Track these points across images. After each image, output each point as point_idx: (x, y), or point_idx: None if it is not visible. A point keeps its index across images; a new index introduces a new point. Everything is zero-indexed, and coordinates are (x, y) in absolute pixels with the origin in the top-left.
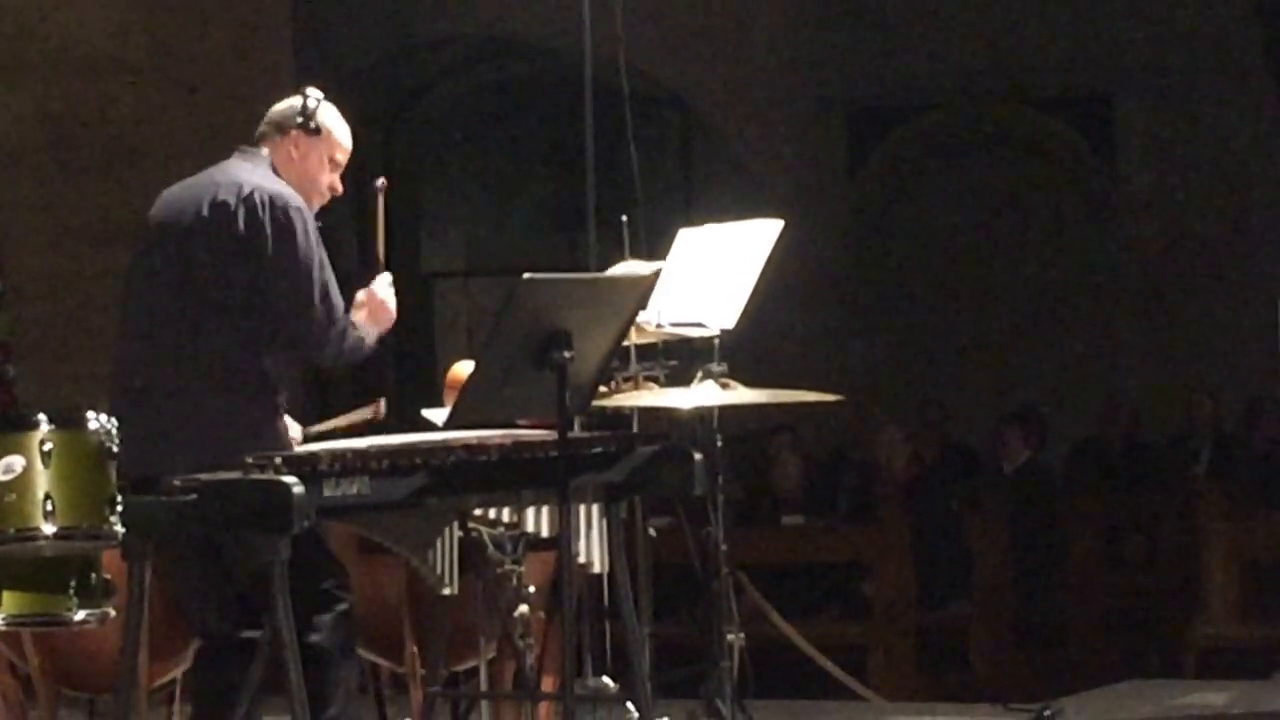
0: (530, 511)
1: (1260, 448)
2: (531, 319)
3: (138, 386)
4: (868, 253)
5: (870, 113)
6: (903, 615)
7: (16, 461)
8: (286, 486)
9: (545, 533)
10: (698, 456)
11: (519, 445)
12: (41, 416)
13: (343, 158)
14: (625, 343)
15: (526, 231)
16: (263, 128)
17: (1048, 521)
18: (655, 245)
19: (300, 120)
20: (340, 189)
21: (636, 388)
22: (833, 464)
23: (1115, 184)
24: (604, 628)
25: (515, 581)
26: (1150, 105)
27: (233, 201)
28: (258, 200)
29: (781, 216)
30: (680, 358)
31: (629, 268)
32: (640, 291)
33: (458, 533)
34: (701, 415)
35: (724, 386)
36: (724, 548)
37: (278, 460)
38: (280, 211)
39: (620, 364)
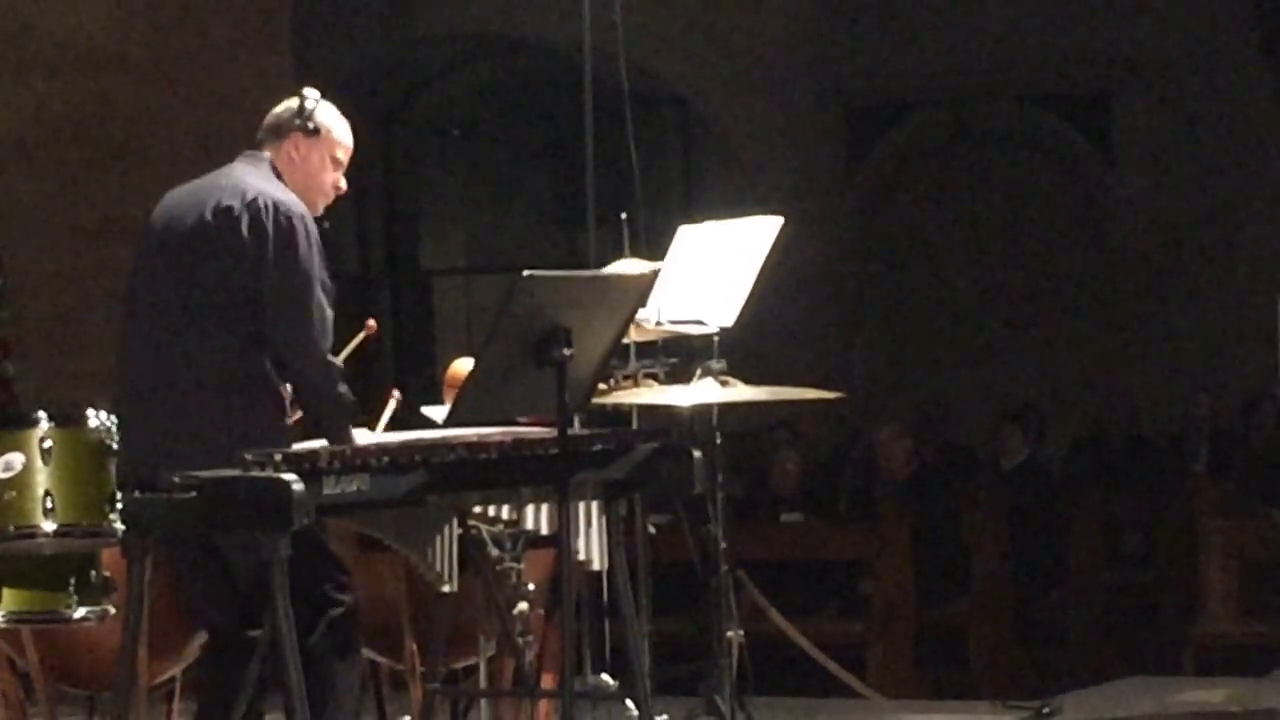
0: (530, 509)
1: (1258, 445)
2: (531, 316)
3: (141, 387)
4: (867, 250)
5: (869, 111)
6: (902, 613)
7: (16, 459)
8: (286, 484)
9: (545, 530)
10: (697, 454)
11: (519, 443)
12: (41, 414)
13: (344, 156)
14: (625, 340)
15: (526, 229)
16: (262, 132)
17: (1046, 520)
18: (655, 243)
19: (298, 122)
20: (344, 187)
21: (636, 385)
22: (832, 462)
23: (1114, 183)
24: (603, 625)
25: (515, 579)
26: (1149, 105)
27: (237, 207)
28: (261, 205)
29: (781, 214)
30: (680, 355)
31: (624, 266)
32: (640, 289)
33: (457, 530)
34: (701, 413)
35: (723, 384)
36: (723, 545)
37: (277, 458)
38: (284, 218)
39: (620, 361)
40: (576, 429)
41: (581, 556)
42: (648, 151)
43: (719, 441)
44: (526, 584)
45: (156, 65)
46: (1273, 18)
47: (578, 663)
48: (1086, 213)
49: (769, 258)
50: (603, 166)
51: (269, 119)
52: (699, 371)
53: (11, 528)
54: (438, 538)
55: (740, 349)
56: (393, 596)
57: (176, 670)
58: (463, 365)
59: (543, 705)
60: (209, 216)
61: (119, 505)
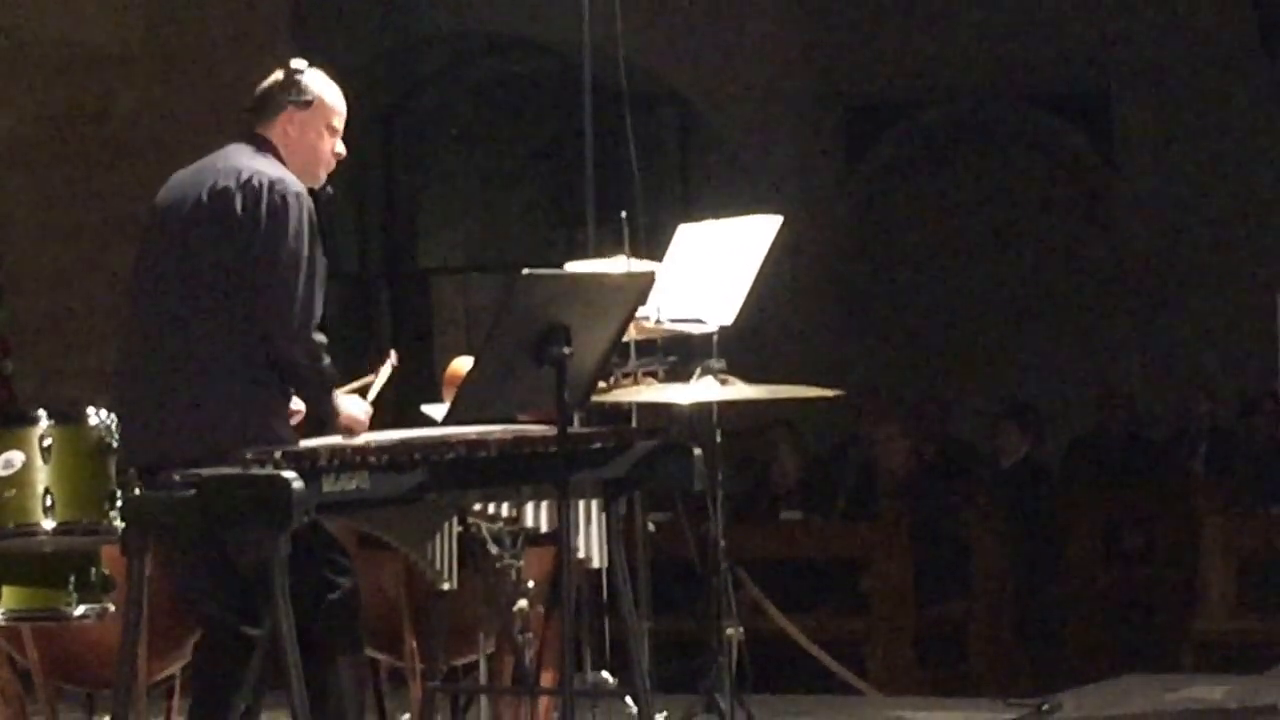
0: (529, 507)
1: (1257, 443)
2: (530, 315)
3: (142, 373)
4: (866, 249)
5: (869, 109)
6: (901, 610)
7: (16, 457)
8: (286, 481)
9: (544, 528)
10: (697, 452)
11: (518, 441)
12: (41, 412)
13: (339, 122)
14: (624, 338)
15: (525, 228)
16: (256, 110)
17: (1046, 517)
18: (654, 242)
19: (291, 96)
20: (344, 152)
21: (636, 383)
22: (831, 459)
23: (1114, 181)
24: (603, 623)
25: (514, 576)
26: (1149, 103)
27: (233, 186)
28: (256, 184)
29: (780, 212)
30: (679, 353)
31: (619, 264)
32: (639, 287)
33: (457, 528)
34: (700, 411)
35: (723, 382)
36: (723, 543)
37: (277, 455)
38: (278, 195)
39: (619, 359)
40: (576, 427)
41: (581, 554)
42: (646, 151)
43: (718, 439)
44: (526, 581)
45: (156, 64)
46: (1271, 16)
47: (577, 660)
48: (1086, 213)
49: (768, 257)
50: (601, 166)
51: (259, 93)
52: (698, 370)
53: (11, 525)
54: (437, 535)
55: (740, 347)
56: (393, 594)
57: (176, 668)
58: (462, 364)
59: (542, 702)
60: (206, 198)
61: (119, 503)
